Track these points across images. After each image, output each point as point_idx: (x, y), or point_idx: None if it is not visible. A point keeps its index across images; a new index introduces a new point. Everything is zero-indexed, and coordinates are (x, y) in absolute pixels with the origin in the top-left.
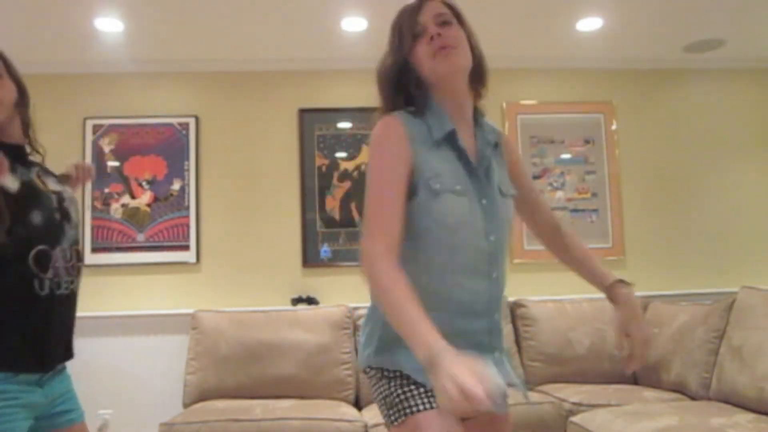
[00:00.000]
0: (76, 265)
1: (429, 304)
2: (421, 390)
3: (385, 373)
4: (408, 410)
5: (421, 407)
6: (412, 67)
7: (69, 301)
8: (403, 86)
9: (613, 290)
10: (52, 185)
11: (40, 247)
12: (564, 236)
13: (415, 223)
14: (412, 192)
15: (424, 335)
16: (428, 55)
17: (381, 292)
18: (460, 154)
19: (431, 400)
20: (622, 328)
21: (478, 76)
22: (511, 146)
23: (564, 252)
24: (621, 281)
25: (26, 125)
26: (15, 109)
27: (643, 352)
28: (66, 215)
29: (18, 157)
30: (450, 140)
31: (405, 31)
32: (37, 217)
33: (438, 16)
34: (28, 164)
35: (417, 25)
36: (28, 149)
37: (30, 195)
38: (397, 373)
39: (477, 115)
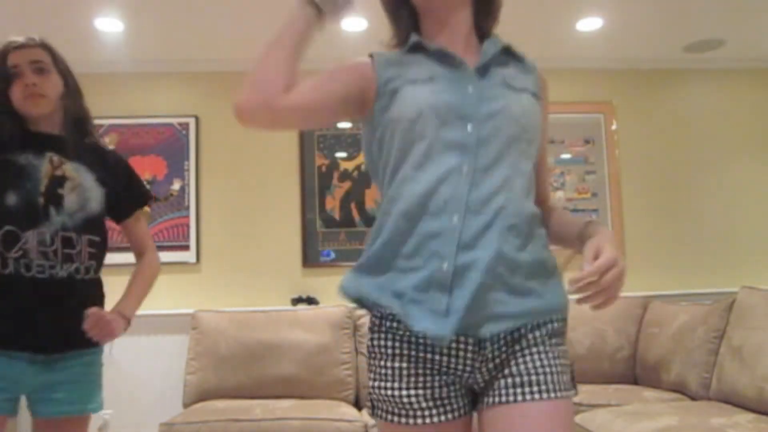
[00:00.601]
0: (62, 251)
1: (393, 207)
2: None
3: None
4: (379, 413)
5: (392, 419)
6: None
7: (63, 287)
8: (401, 16)
9: (588, 228)
10: (69, 171)
11: (8, 227)
12: (549, 213)
13: (379, 135)
14: (379, 109)
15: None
16: None
17: (259, 58)
18: (433, 54)
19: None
20: (592, 250)
21: (484, 6)
22: (546, 91)
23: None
24: (595, 221)
25: (77, 117)
26: (60, 102)
27: (613, 283)
28: (56, 200)
29: (42, 144)
30: (419, 49)
31: None
32: (11, 199)
33: None
34: (46, 150)
35: None
36: (73, 139)
37: (6, 177)
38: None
39: (486, 38)
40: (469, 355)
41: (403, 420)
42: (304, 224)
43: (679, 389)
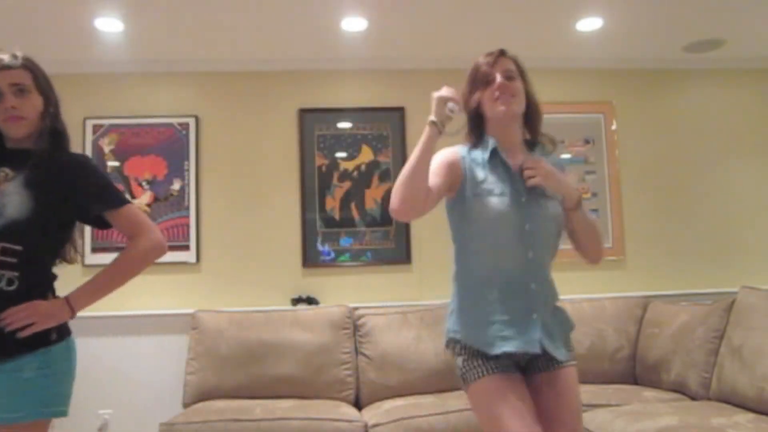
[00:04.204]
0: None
1: (478, 279)
2: (480, 362)
3: (456, 347)
4: (470, 379)
5: (478, 376)
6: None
7: None
8: (477, 123)
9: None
10: (9, 185)
11: None
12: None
13: (467, 219)
14: (462, 196)
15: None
16: (492, 99)
17: (404, 176)
18: (504, 166)
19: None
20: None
21: (530, 119)
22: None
23: (575, 244)
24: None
25: (54, 133)
26: (40, 120)
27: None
28: None
29: (8, 159)
30: (495, 156)
31: (479, 78)
32: None
33: (506, 71)
34: (5, 164)
35: (488, 75)
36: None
37: None
38: (464, 346)
39: (531, 144)
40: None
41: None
42: (304, 224)
43: (679, 389)
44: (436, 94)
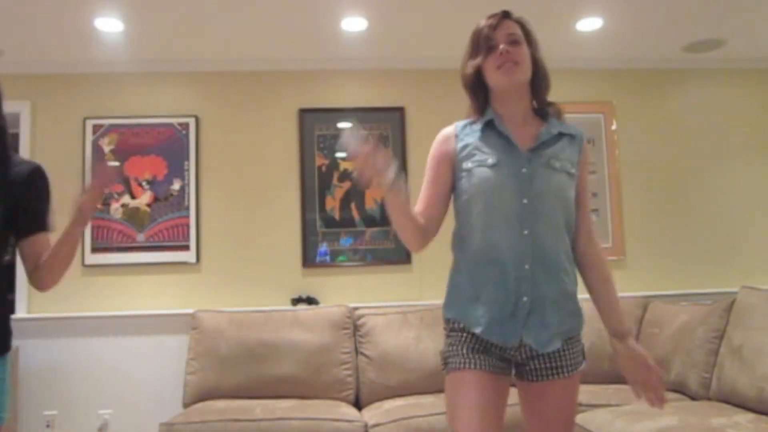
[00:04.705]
0: None
1: (476, 257)
2: (465, 351)
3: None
4: (450, 366)
5: (458, 366)
6: (482, 75)
7: None
8: (478, 92)
9: (620, 341)
10: None
11: None
12: (585, 264)
13: (461, 192)
14: (459, 173)
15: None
16: (494, 67)
17: (395, 225)
18: (501, 137)
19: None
20: (634, 380)
21: (537, 87)
22: (585, 159)
23: (585, 278)
24: (628, 335)
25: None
26: None
27: (659, 388)
28: None
29: None
30: (491, 127)
31: (481, 43)
32: None
33: (509, 35)
34: None
35: (490, 40)
36: None
37: None
38: (452, 329)
39: (544, 113)
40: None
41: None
42: (304, 224)
43: (679, 389)
44: (359, 168)
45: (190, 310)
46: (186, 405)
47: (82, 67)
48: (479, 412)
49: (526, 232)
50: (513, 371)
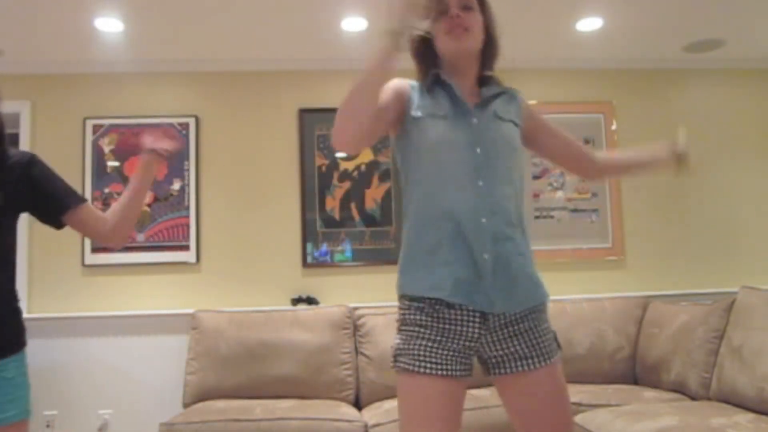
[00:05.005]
0: None
1: (429, 215)
2: (422, 345)
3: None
4: (402, 365)
5: (411, 368)
6: (432, 39)
7: None
8: (426, 56)
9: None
10: None
11: None
12: (601, 161)
13: (409, 148)
14: (405, 126)
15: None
16: (444, 32)
17: (350, 94)
18: (448, 91)
19: (421, 360)
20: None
21: (486, 56)
22: (531, 110)
23: (612, 171)
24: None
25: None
26: None
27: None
28: None
29: None
30: (438, 82)
31: (432, 6)
32: None
33: (462, 0)
34: None
35: (442, 3)
36: None
37: None
38: (406, 304)
39: (486, 78)
40: (477, 320)
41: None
42: (304, 224)
43: (679, 389)
44: None
45: (190, 310)
46: (186, 405)
47: (82, 67)
48: (439, 430)
49: (480, 183)
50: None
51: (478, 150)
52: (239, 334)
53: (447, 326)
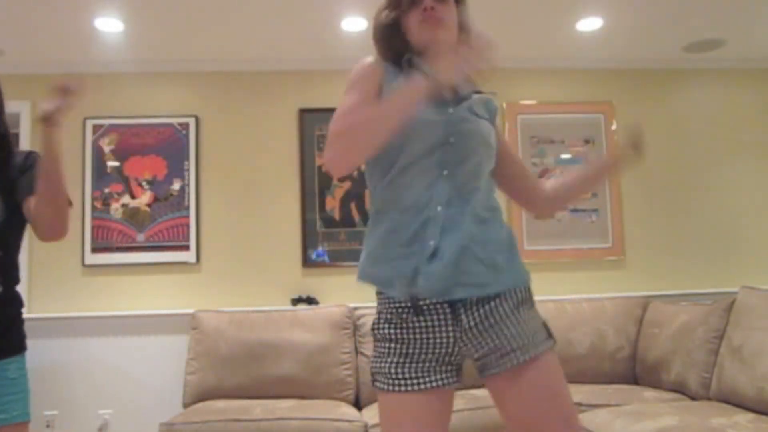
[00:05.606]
0: None
1: (387, 203)
2: (399, 361)
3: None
4: (381, 384)
5: (389, 387)
6: (401, 28)
7: None
8: (393, 43)
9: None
10: None
11: None
12: (549, 189)
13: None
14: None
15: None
16: (417, 22)
17: (362, 122)
18: (426, 77)
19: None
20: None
21: None
22: (499, 128)
23: (563, 196)
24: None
25: (5, 136)
26: None
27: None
28: None
29: None
30: (413, 66)
31: None
32: None
33: None
34: None
35: None
36: None
37: None
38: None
39: None
40: (450, 322)
41: (394, 388)
42: (304, 224)
43: (679, 389)
44: (480, 46)
45: (190, 310)
46: (186, 405)
47: (81, 67)
48: None
49: (446, 172)
50: (459, 378)
51: (452, 140)
52: (239, 334)
53: (418, 336)
